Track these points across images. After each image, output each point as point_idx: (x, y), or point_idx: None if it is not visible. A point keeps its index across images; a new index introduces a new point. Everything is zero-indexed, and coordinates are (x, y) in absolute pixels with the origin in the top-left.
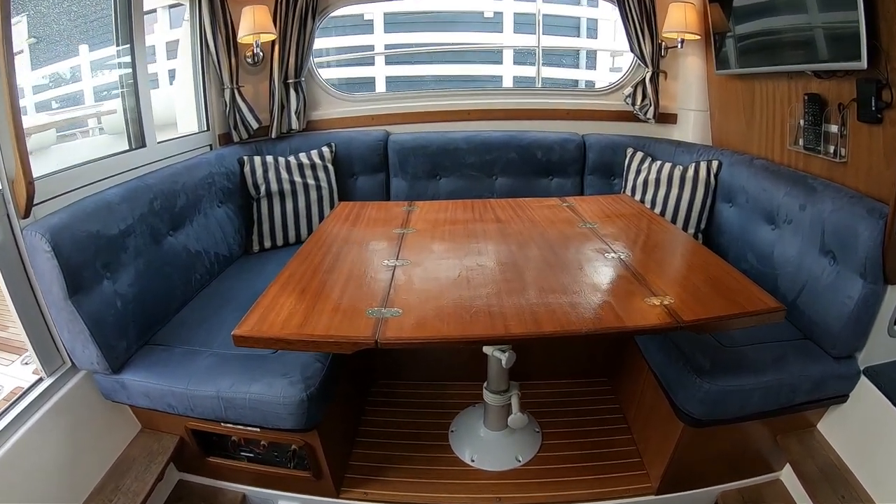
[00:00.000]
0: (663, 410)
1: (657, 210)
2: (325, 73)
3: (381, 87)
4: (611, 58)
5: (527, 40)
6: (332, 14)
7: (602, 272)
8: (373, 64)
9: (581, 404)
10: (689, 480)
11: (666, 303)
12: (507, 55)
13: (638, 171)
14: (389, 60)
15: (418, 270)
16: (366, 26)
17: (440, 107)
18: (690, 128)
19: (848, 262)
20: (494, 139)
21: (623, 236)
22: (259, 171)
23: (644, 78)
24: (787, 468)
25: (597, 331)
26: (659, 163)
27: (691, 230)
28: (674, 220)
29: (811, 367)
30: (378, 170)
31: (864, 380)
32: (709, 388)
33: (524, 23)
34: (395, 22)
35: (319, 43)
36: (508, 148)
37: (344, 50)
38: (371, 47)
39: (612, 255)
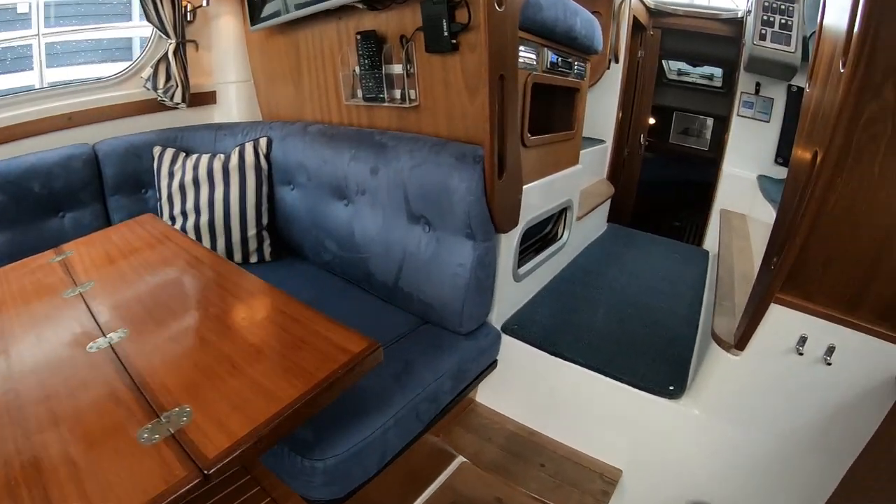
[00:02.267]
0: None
1: (204, 218)
2: None
3: None
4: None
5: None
6: None
7: (74, 393)
8: None
9: None
10: None
11: (178, 426)
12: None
13: (171, 175)
14: None
15: None
16: None
17: None
18: (234, 105)
19: (446, 224)
20: None
21: (128, 293)
22: None
23: (166, 52)
24: None
25: None
26: (195, 157)
27: (252, 231)
28: (227, 225)
29: (447, 360)
30: None
31: (505, 338)
32: (325, 466)
33: (66, 15)
34: None
35: None
36: None
37: None
38: None
39: (100, 342)
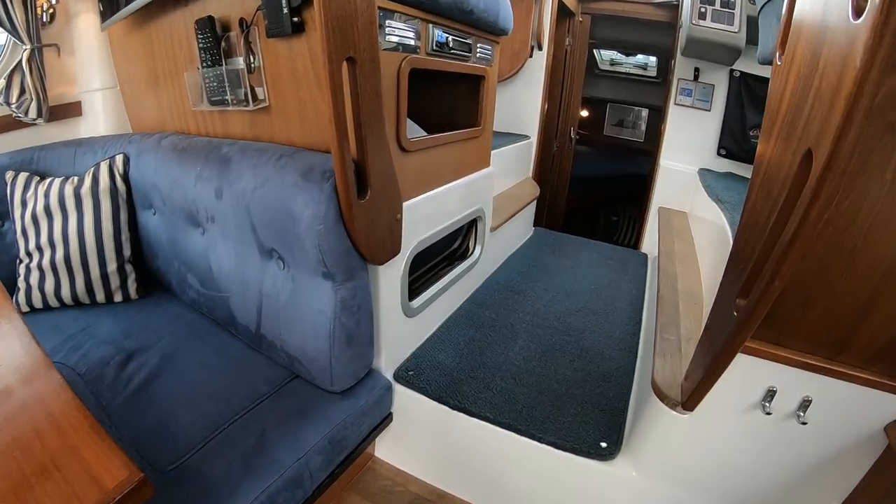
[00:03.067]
0: None
1: (59, 253)
2: None
3: None
4: None
5: None
6: None
7: None
8: None
9: None
10: None
11: None
12: None
13: (24, 204)
14: None
15: None
16: None
17: None
18: (101, 116)
19: (298, 260)
20: None
21: None
22: None
23: (20, 60)
24: None
25: None
26: (48, 182)
27: (112, 265)
28: (84, 260)
29: (315, 432)
30: None
31: (400, 388)
32: None
33: None
34: None
35: None
36: None
37: None
38: None
39: None
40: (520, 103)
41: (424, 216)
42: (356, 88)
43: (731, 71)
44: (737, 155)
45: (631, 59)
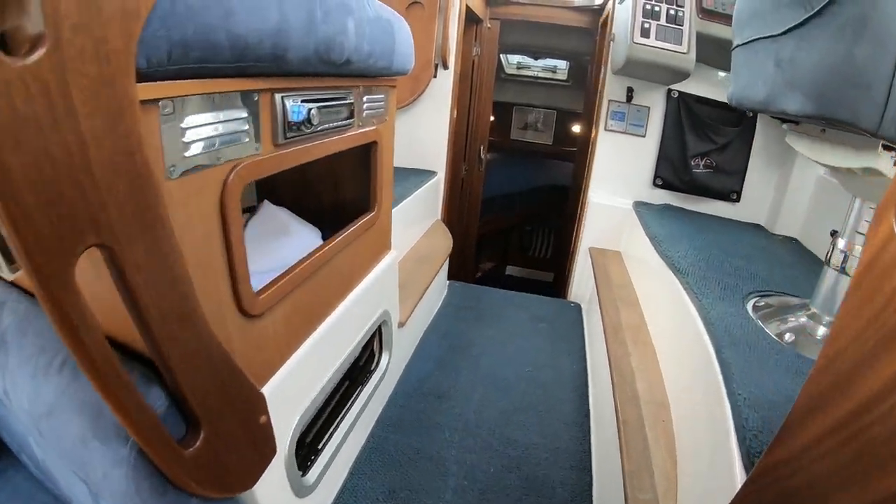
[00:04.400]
0: None
1: None
2: None
3: None
4: None
5: None
6: None
7: None
8: None
9: None
10: None
11: None
12: None
13: None
14: None
15: None
16: None
17: None
18: None
19: None
20: None
21: None
22: None
23: None
24: None
25: None
26: None
27: None
28: None
29: None
30: None
31: None
32: None
33: None
34: None
35: None
36: None
37: None
38: None
39: None
40: (423, 132)
41: (305, 376)
42: (131, 285)
43: (669, 91)
44: (675, 185)
45: (539, 63)
